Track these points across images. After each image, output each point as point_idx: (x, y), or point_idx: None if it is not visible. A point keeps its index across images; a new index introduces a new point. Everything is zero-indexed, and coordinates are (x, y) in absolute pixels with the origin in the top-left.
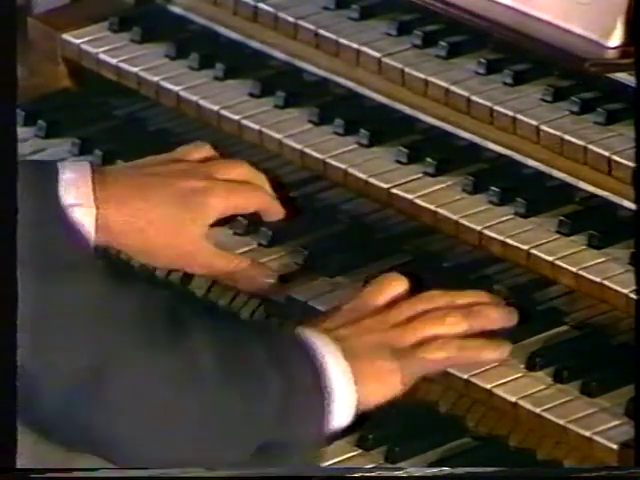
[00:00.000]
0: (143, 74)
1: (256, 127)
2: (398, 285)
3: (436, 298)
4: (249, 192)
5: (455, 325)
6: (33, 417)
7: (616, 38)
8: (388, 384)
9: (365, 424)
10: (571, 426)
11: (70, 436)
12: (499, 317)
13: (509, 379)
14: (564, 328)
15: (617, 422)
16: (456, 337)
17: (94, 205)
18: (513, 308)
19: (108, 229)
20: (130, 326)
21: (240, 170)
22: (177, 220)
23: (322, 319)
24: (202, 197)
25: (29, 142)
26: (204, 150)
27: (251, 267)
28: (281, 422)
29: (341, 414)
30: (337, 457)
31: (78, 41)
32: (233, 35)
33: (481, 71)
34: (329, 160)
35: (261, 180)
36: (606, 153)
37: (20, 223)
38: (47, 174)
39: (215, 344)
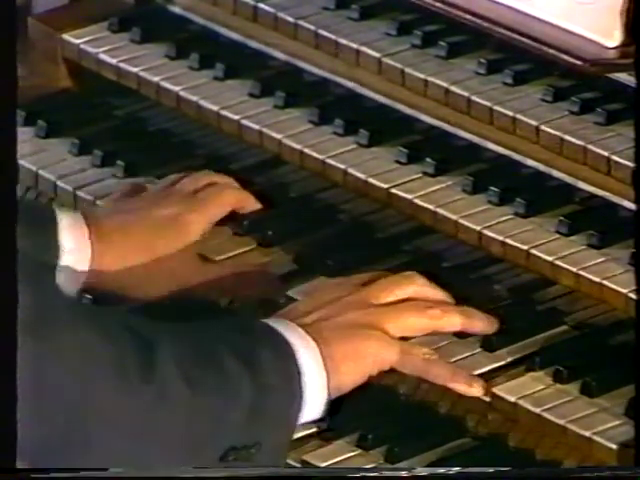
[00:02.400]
0: (143, 74)
1: (256, 127)
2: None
3: (417, 280)
4: (221, 197)
5: (436, 319)
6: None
7: (616, 38)
8: (361, 365)
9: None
10: (571, 426)
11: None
12: (479, 321)
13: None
14: (564, 328)
15: (617, 422)
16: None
17: (90, 249)
18: (493, 317)
19: (102, 272)
20: (104, 371)
21: (204, 178)
22: (162, 246)
23: (294, 307)
24: (181, 220)
25: (29, 142)
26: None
27: (246, 268)
28: (251, 426)
29: (314, 403)
30: (337, 457)
31: (78, 41)
32: (233, 35)
33: (481, 71)
34: (329, 160)
35: (226, 180)
36: (606, 153)
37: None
38: (46, 217)
39: (183, 367)
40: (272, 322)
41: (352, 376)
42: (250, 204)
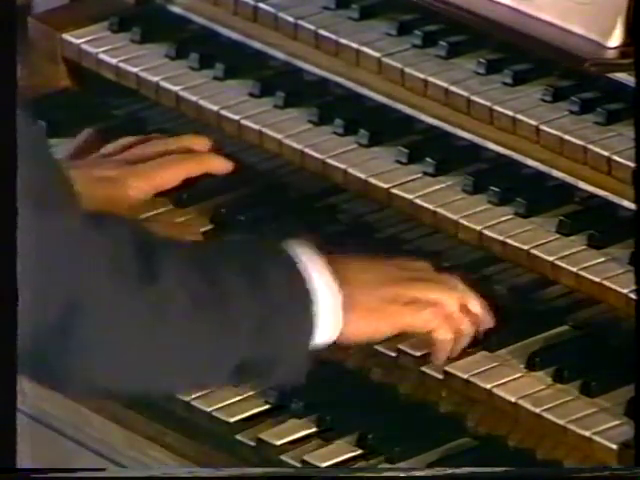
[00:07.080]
0: (143, 74)
1: (256, 127)
2: None
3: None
4: (169, 167)
5: (453, 305)
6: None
7: (616, 38)
8: (376, 320)
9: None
10: (571, 426)
11: (47, 375)
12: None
13: (509, 379)
14: (564, 328)
15: (617, 422)
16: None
17: None
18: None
19: None
20: (101, 262)
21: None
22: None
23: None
24: (118, 184)
25: None
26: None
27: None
28: (257, 345)
29: (327, 325)
30: (337, 457)
31: (78, 41)
32: (233, 35)
33: (481, 71)
34: (329, 160)
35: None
36: (606, 153)
37: None
38: None
39: (184, 275)
40: (288, 246)
41: (365, 325)
42: (217, 168)
